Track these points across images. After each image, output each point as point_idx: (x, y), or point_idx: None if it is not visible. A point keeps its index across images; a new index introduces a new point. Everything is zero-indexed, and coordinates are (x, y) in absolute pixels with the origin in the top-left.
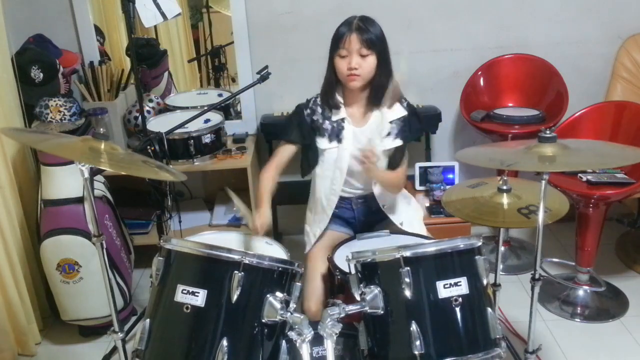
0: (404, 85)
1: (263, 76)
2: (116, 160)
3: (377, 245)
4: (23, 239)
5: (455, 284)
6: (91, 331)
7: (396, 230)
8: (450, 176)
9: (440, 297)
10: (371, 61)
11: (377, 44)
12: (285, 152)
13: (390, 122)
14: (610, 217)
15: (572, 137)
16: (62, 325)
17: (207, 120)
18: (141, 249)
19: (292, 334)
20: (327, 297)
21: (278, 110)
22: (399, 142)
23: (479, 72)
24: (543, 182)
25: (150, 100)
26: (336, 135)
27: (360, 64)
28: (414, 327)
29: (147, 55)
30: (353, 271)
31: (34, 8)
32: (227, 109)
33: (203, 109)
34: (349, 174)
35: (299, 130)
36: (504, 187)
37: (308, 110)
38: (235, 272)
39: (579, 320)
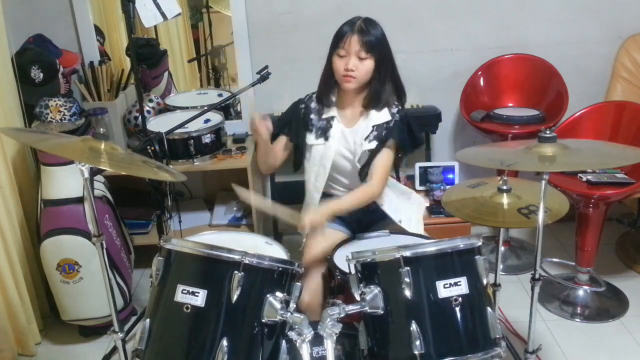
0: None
1: (263, 76)
2: (116, 160)
3: (377, 245)
4: (23, 239)
5: (455, 284)
6: (91, 331)
7: (396, 230)
8: (450, 176)
9: (440, 297)
10: (368, 65)
11: (377, 49)
12: (277, 144)
13: (373, 126)
14: (610, 217)
15: (572, 137)
16: (62, 325)
17: (207, 120)
18: (141, 249)
19: (292, 334)
20: (325, 291)
21: (278, 110)
22: (372, 146)
23: (479, 72)
24: (543, 182)
25: (150, 100)
26: (324, 132)
27: (357, 66)
28: (414, 327)
29: (147, 55)
30: (353, 271)
31: (34, 8)
32: (227, 109)
33: (203, 109)
34: (336, 171)
35: (290, 125)
36: (504, 187)
37: (303, 105)
38: (235, 272)
39: (579, 320)
